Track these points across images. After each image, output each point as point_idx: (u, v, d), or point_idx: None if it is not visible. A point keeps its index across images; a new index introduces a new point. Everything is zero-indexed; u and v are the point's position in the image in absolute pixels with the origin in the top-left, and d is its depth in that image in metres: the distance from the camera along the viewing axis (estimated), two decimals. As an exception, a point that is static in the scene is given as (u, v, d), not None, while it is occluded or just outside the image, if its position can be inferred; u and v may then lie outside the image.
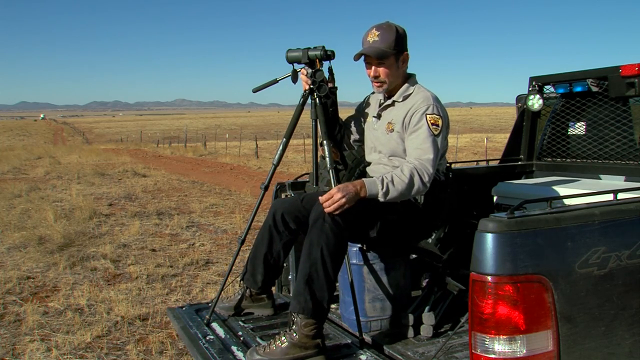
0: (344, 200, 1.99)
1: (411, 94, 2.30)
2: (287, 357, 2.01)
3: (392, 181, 2.06)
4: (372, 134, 2.43)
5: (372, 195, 2.06)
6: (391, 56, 2.27)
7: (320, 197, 2.04)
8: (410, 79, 2.36)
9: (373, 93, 2.52)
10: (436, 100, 2.24)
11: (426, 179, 2.08)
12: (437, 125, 2.17)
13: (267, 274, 2.48)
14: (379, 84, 2.32)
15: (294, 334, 2.03)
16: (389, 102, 2.35)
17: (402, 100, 2.31)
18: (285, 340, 2.03)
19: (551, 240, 1.50)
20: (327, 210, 2.01)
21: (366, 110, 2.53)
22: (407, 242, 2.44)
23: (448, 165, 2.57)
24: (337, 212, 2.00)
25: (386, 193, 2.05)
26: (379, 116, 2.40)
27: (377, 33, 2.27)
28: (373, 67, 2.30)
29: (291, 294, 2.12)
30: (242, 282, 2.59)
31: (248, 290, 2.56)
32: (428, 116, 2.17)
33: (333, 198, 2.00)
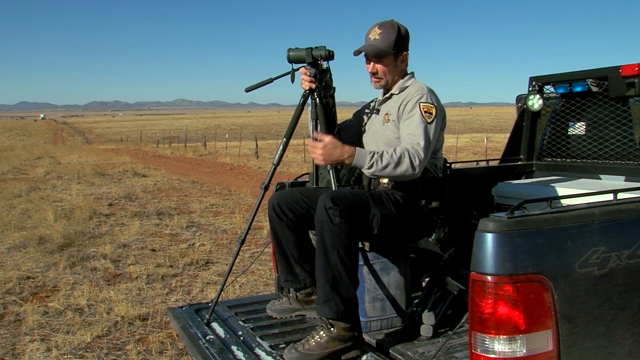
0: (320, 154, 2.12)
1: (408, 86, 2.36)
2: (327, 351, 2.02)
3: (382, 156, 2.10)
4: (371, 129, 2.46)
5: (357, 165, 2.12)
6: (390, 55, 2.32)
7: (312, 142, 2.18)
8: (408, 74, 2.42)
9: (373, 100, 2.55)
10: (431, 91, 2.30)
11: (416, 162, 2.10)
12: (430, 114, 2.20)
13: (302, 267, 2.47)
14: (376, 80, 2.39)
15: (332, 328, 2.04)
16: (387, 95, 2.41)
17: (399, 93, 2.37)
18: (324, 335, 2.05)
19: (551, 240, 1.50)
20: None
21: (365, 114, 2.56)
22: (409, 238, 2.44)
23: (448, 165, 2.57)
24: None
25: (372, 166, 2.10)
26: (377, 111, 2.45)
27: (378, 31, 2.31)
28: (372, 64, 2.36)
29: (317, 299, 2.12)
30: (283, 291, 2.61)
31: (294, 294, 2.55)
32: (421, 104, 2.21)
33: (318, 146, 2.12)
